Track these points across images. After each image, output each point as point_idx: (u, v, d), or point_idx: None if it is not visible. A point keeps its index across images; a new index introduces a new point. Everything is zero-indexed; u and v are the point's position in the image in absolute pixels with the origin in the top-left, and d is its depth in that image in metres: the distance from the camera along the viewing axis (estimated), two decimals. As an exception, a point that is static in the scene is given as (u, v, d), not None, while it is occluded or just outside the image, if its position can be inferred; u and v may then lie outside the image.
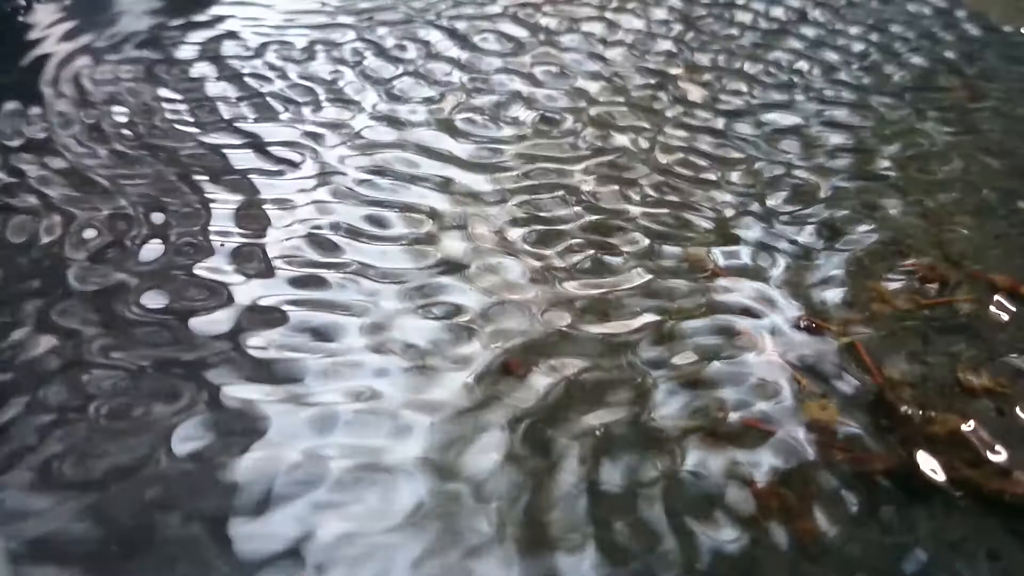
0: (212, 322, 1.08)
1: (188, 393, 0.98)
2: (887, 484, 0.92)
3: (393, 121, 1.51)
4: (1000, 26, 2.02)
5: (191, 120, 1.49)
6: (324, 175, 1.36)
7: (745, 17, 2.03)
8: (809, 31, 1.97)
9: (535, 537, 0.86)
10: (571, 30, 1.91)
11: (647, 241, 1.27)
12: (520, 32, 1.88)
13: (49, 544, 0.83)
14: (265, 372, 1.02)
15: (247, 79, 1.63)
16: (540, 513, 0.88)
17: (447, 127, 1.51)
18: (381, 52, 1.75)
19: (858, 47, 1.92)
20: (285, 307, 1.11)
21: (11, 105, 1.48)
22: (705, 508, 0.89)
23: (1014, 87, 1.76)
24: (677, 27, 1.96)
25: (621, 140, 1.52)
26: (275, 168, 1.38)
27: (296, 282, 1.15)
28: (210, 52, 1.71)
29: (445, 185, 1.36)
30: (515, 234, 1.27)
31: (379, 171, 1.38)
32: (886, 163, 1.49)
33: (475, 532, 0.86)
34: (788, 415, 0.99)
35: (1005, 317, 1.15)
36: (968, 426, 0.97)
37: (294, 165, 1.39)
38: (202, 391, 0.99)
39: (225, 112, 1.52)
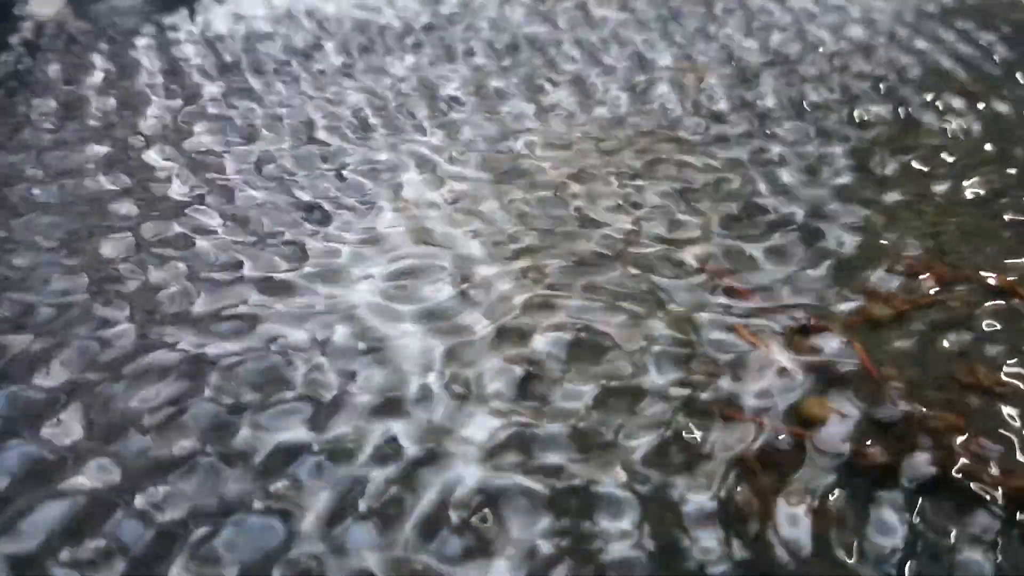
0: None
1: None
2: (886, 480, 0.92)
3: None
4: (1004, 26, 2.01)
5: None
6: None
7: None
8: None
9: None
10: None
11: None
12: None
13: None
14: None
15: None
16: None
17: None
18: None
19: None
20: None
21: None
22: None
23: (1015, 86, 1.76)
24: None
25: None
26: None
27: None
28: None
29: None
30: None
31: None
32: (882, 160, 1.50)
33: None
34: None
35: (1002, 316, 1.15)
36: (966, 422, 0.97)
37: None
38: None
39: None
